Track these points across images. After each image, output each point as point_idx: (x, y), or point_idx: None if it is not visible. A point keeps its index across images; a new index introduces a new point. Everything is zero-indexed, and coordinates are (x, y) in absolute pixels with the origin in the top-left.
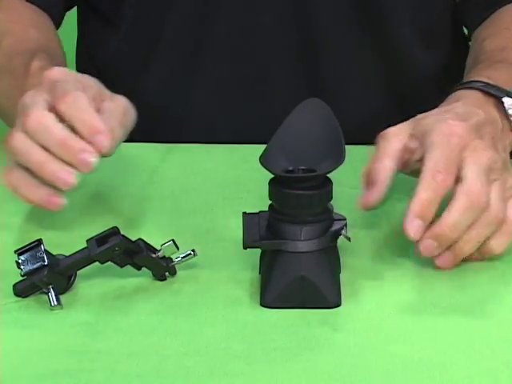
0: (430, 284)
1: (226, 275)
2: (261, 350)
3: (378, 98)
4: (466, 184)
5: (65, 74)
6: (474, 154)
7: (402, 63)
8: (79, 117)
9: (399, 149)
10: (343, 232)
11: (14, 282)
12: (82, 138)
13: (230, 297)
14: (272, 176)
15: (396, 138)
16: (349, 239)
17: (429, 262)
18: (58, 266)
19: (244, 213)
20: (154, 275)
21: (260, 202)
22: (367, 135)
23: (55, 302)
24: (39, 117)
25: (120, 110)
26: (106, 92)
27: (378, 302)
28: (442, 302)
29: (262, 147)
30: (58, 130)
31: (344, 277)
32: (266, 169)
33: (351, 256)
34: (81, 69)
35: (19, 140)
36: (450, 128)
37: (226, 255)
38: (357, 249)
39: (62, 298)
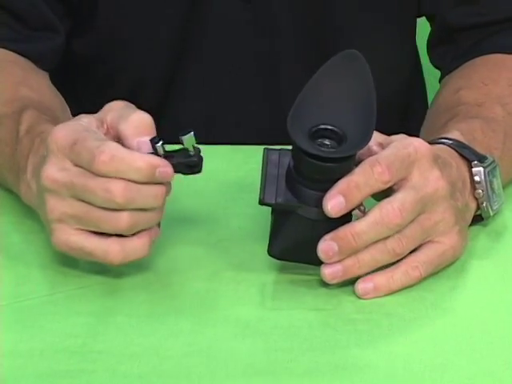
0: (430, 284)
1: (228, 276)
2: (262, 350)
3: None
4: (390, 200)
5: (72, 130)
6: (421, 175)
7: None
8: (130, 167)
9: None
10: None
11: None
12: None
13: (231, 297)
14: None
15: None
16: (363, 210)
17: None
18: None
19: (266, 148)
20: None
21: None
22: None
23: None
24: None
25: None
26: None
27: (379, 303)
28: (442, 303)
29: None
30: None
31: None
32: (291, 135)
33: None
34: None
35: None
36: (412, 141)
37: (227, 256)
38: None
39: (62, 296)
